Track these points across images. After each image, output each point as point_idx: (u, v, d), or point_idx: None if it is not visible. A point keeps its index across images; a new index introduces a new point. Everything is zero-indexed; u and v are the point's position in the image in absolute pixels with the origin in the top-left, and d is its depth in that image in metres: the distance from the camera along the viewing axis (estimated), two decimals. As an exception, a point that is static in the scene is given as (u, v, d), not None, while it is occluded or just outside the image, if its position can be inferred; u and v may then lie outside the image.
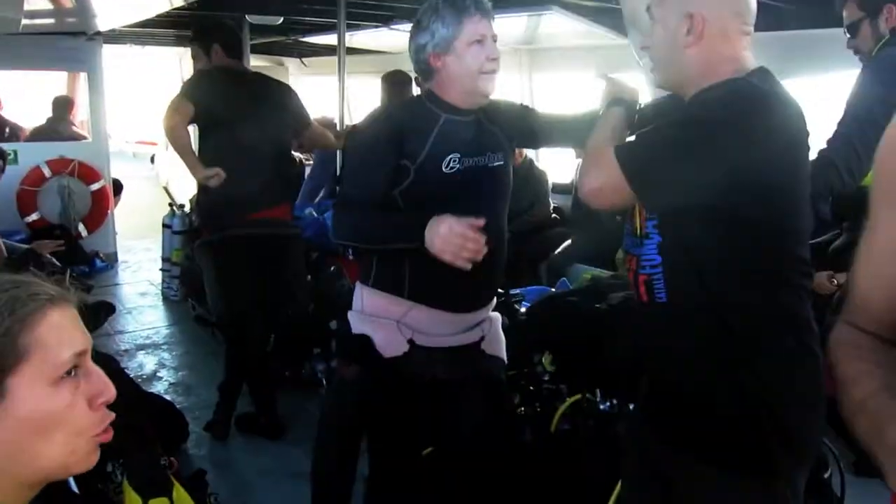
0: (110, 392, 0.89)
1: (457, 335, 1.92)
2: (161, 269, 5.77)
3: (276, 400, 3.48)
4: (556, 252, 4.52)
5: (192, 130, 3.28)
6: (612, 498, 1.86)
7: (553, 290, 3.18)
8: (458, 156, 1.83)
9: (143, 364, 4.38)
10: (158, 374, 4.23)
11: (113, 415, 0.91)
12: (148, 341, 4.82)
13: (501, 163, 1.90)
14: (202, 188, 3.17)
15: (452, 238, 1.63)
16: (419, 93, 2.01)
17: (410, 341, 1.87)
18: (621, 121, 1.48)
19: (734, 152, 1.21)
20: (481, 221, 1.66)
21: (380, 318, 1.89)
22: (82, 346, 0.88)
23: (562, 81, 5.81)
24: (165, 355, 4.58)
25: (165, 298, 5.74)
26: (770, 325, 1.31)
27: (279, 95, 3.30)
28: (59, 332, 0.86)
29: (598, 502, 1.93)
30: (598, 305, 2.32)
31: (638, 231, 1.41)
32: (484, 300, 1.97)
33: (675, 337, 1.37)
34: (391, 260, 1.88)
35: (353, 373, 1.95)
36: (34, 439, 0.84)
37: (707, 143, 1.23)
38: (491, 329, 1.98)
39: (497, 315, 2.06)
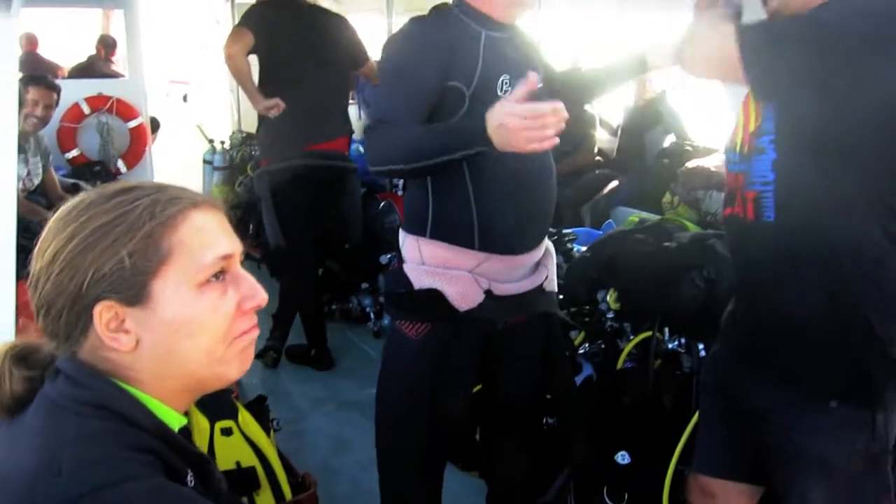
0: (260, 296, 0.87)
1: (525, 279, 1.82)
2: (203, 206, 5.79)
3: (326, 332, 3.53)
4: (602, 194, 4.48)
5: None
6: (684, 436, 1.86)
7: (600, 232, 3.15)
8: (508, 77, 1.66)
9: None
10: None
11: (256, 320, 0.90)
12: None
13: (542, 85, 1.75)
14: (262, 119, 3.21)
15: (527, 122, 1.41)
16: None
17: (488, 291, 1.73)
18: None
19: (873, 66, 1.14)
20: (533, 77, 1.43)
21: (449, 270, 1.73)
22: (228, 250, 0.86)
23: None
24: (211, 289, 4.63)
25: (208, 234, 5.78)
26: (881, 256, 1.27)
27: (336, 27, 3.28)
28: (202, 234, 0.84)
29: (669, 439, 1.93)
30: (666, 244, 2.28)
31: (739, 146, 1.37)
32: (543, 236, 1.89)
33: (780, 258, 1.33)
34: (452, 208, 1.72)
35: (424, 332, 1.78)
36: (182, 343, 0.83)
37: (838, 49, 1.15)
38: (551, 266, 1.92)
39: (551, 247, 1.97)
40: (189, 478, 0.84)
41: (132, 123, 6.35)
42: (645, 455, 2.00)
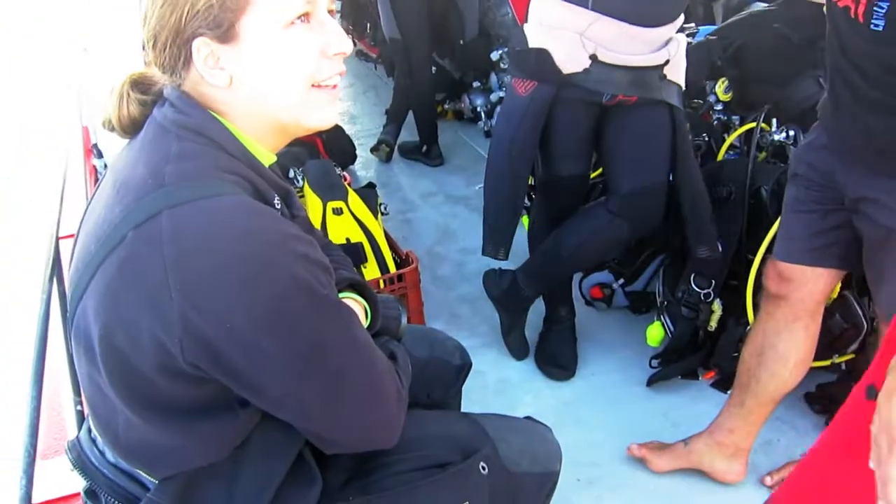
0: (345, 43, 0.91)
1: (642, 55, 1.79)
2: (322, 5, 5.81)
3: (438, 130, 3.60)
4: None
5: None
6: (776, 225, 1.83)
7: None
8: None
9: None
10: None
11: (344, 69, 0.94)
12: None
13: None
14: None
15: None
16: None
17: (593, 56, 1.76)
18: None
19: None
20: None
21: (560, 30, 1.78)
22: None
23: None
24: (330, 87, 4.76)
25: (328, 35, 5.84)
26: None
27: None
28: None
29: (761, 229, 1.92)
30: (794, 36, 2.12)
31: None
32: (671, 14, 1.81)
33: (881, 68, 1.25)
34: None
35: (531, 90, 1.86)
36: (269, 81, 0.89)
37: None
38: (677, 53, 1.85)
39: (682, 37, 1.91)
40: (276, 201, 0.94)
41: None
42: (734, 245, 2.01)
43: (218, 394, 0.87)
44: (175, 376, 0.84)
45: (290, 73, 0.89)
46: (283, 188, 0.97)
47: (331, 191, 2.45)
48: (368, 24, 4.78)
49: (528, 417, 1.26)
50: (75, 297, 0.89)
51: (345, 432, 0.94)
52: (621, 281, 2.37)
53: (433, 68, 3.70)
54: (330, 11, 0.93)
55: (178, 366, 0.82)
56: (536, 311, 2.28)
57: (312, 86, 0.91)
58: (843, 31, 1.34)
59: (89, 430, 1.02)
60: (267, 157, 0.96)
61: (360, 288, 1.10)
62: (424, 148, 3.57)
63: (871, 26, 1.24)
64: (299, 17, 0.88)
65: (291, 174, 2.64)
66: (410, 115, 3.61)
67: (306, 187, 2.47)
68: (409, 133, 3.68)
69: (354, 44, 5.16)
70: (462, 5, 3.41)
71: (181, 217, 0.80)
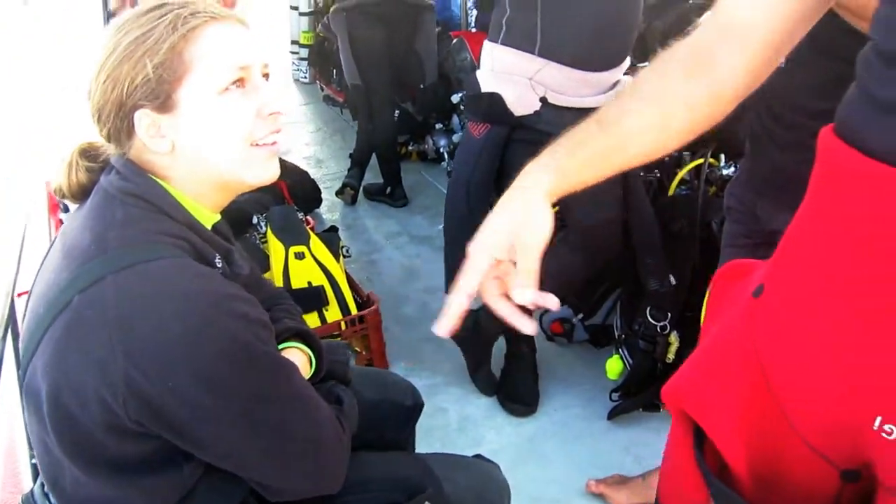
0: (279, 103, 0.96)
1: (591, 97, 1.86)
2: (290, 52, 5.89)
3: (400, 171, 3.65)
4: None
5: None
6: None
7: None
8: None
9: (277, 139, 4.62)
10: (291, 150, 4.47)
11: (281, 127, 0.98)
12: (280, 120, 5.04)
13: None
14: None
15: None
16: None
17: (543, 99, 1.84)
18: None
19: None
20: None
21: (511, 75, 1.86)
22: (247, 61, 0.94)
23: None
24: (297, 132, 4.82)
25: (295, 80, 5.91)
26: None
27: None
28: (222, 44, 0.92)
29: (713, 262, 1.97)
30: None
31: None
32: (617, 59, 1.90)
33: None
34: (523, 14, 1.82)
35: (484, 132, 1.94)
36: (208, 145, 0.93)
37: None
38: None
39: (630, 79, 1.99)
40: (217, 261, 0.97)
41: (220, -29, 6.42)
42: (688, 277, 2.05)
43: (163, 449, 0.88)
44: (121, 434, 0.85)
45: (227, 136, 0.93)
46: (224, 248, 1.00)
47: (293, 236, 2.48)
48: (335, 70, 4.86)
49: (477, 455, 1.28)
50: (26, 358, 0.92)
51: (288, 481, 0.96)
52: (580, 315, 2.40)
53: (396, 112, 3.77)
54: (265, 75, 0.98)
55: (122, 424, 0.84)
56: (499, 347, 2.30)
57: (251, 145, 0.95)
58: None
59: (42, 485, 1.03)
60: (210, 218, 1.00)
61: (306, 336, 1.12)
62: (388, 189, 3.61)
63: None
64: (234, 83, 0.92)
65: (255, 220, 2.66)
66: (375, 157, 3.66)
67: (269, 233, 2.49)
68: (373, 175, 3.73)
69: (322, 89, 5.25)
70: (421, 51, 3.49)
71: (124, 281, 0.83)
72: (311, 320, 2.27)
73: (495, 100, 1.86)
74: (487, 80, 1.90)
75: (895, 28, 0.63)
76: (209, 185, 0.97)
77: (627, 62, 1.94)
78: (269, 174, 0.99)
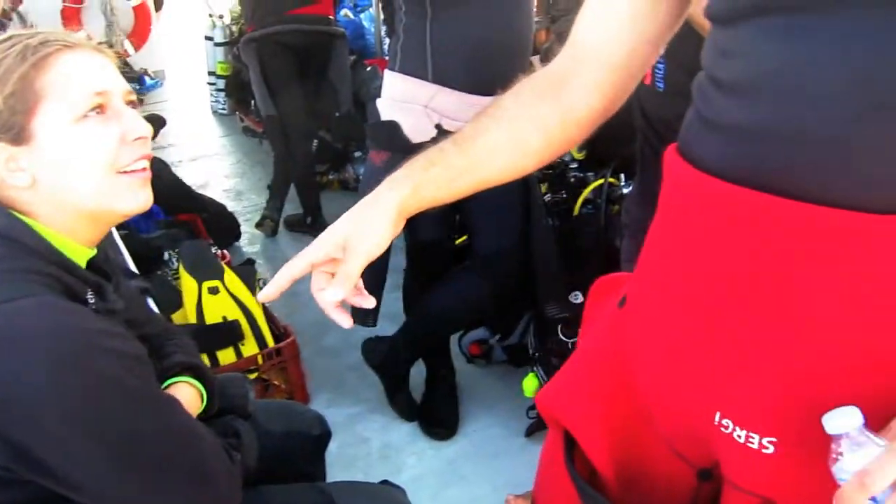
0: (143, 128, 0.95)
1: None
2: (207, 83, 5.84)
3: (320, 200, 3.65)
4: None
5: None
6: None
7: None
8: None
9: (196, 173, 4.56)
10: (210, 183, 4.42)
11: (150, 153, 0.97)
12: (199, 153, 4.99)
13: None
14: None
15: None
16: None
17: (438, 126, 1.87)
18: None
19: None
20: None
21: (406, 103, 1.89)
22: (104, 87, 0.92)
23: None
24: (216, 164, 4.77)
25: (214, 112, 5.86)
26: None
27: None
28: (76, 72, 0.91)
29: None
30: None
31: None
32: (511, 82, 1.95)
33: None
34: (414, 42, 1.85)
35: (384, 160, 1.98)
36: (71, 176, 0.91)
37: None
38: None
39: None
40: (90, 296, 0.95)
41: (135, 1, 6.31)
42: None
43: (38, 495, 0.86)
44: None
45: (89, 165, 0.91)
46: (95, 283, 0.97)
47: (206, 271, 2.45)
48: (253, 101, 4.83)
49: (384, 481, 1.29)
50: None
51: None
52: (498, 336, 2.45)
53: (315, 140, 3.78)
54: (131, 102, 0.97)
55: None
56: (421, 370, 2.32)
57: (117, 172, 0.94)
58: (640, 92, 1.49)
59: None
60: (81, 252, 0.97)
61: (197, 371, 1.11)
62: (309, 220, 3.60)
63: (656, 87, 1.38)
64: (92, 111, 0.91)
65: (166, 256, 2.63)
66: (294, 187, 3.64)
67: (181, 269, 2.45)
68: (294, 206, 3.71)
69: (241, 120, 5.21)
70: (335, 79, 3.50)
71: None
72: (227, 355, 2.25)
73: (393, 128, 1.89)
74: (386, 108, 1.93)
75: (719, 54, 0.69)
76: (77, 218, 0.94)
77: None
78: (139, 202, 0.97)
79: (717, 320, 0.69)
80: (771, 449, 0.67)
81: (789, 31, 0.61)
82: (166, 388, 1.08)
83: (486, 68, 1.87)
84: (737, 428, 0.69)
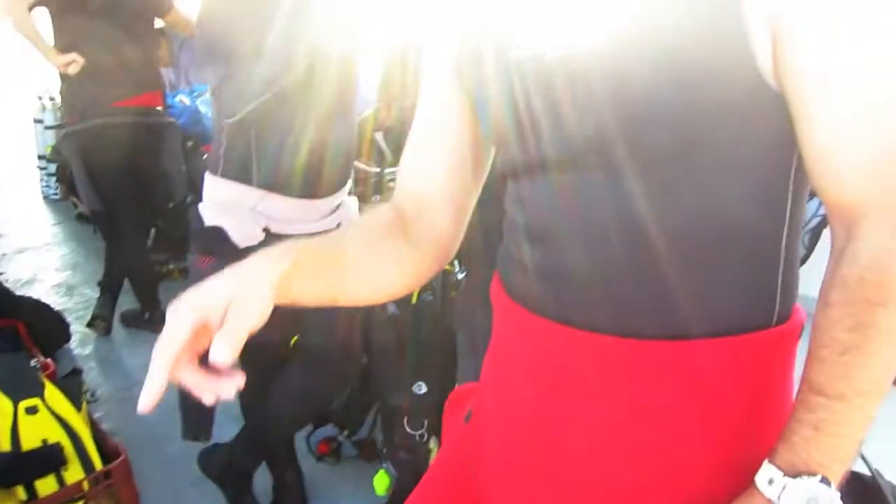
0: None
1: (313, 223, 1.90)
2: (37, 167, 5.49)
3: (159, 293, 3.47)
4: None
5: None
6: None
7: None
8: None
9: (23, 267, 4.24)
10: (39, 277, 4.11)
11: None
12: (28, 244, 4.65)
13: None
14: (63, 76, 3.02)
15: None
16: None
17: (266, 229, 1.83)
18: None
19: None
20: None
21: (232, 206, 1.85)
22: None
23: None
24: (47, 256, 4.45)
25: (45, 197, 5.50)
26: None
27: None
28: None
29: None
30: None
31: None
32: (338, 185, 1.95)
33: None
34: (239, 146, 1.82)
35: (210, 265, 1.91)
36: None
37: None
38: (347, 216, 1.98)
39: (353, 199, 2.05)
40: None
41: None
42: (438, 383, 2.11)
43: None
44: None
45: None
46: None
47: (22, 388, 2.24)
48: (84, 189, 4.58)
49: None
50: None
51: None
52: (346, 432, 2.38)
53: (152, 229, 3.61)
54: None
55: None
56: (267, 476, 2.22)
57: None
58: None
59: None
60: None
61: None
62: (147, 315, 3.41)
63: None
64: None
65: (-24, 374, 2.38)
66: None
67: (-7, 389, 2.23)
68: (132, 298, 3.50)
69: (75, 206, 4.91)
70: (167, 167, 3.37)
71: None
72: (48, 485, 2.05)
73: (218, 233, 1.83)
74: (209, 212, 1.87)
75: (512, 202, 0.80)
76: None
77: (349, 185, 2.00)
78: None
79: (522, 443, 0.76)
80: None
81: (538, 189, 0.72)
82: None
83: (313, 174, 1.86)
84: None
